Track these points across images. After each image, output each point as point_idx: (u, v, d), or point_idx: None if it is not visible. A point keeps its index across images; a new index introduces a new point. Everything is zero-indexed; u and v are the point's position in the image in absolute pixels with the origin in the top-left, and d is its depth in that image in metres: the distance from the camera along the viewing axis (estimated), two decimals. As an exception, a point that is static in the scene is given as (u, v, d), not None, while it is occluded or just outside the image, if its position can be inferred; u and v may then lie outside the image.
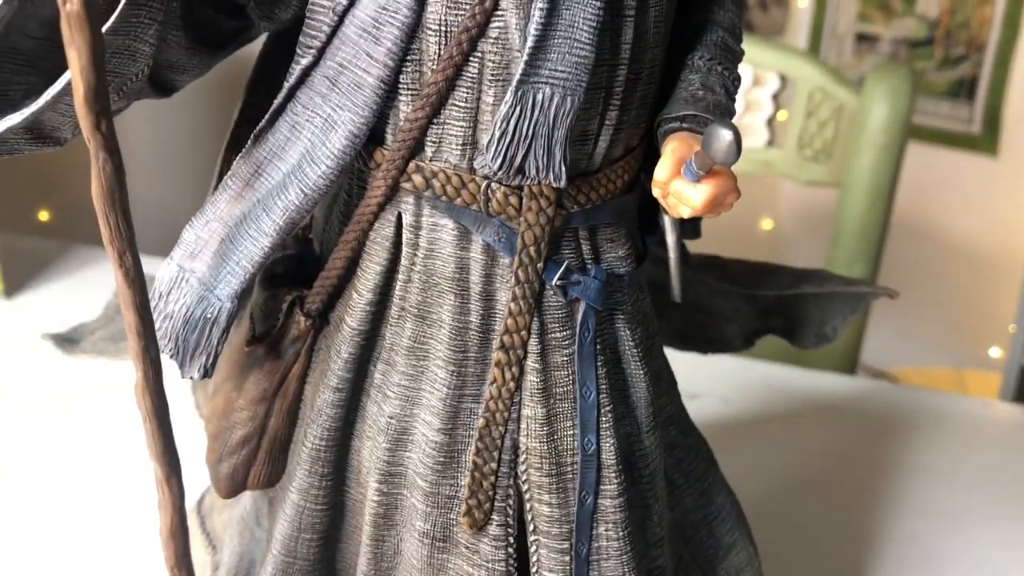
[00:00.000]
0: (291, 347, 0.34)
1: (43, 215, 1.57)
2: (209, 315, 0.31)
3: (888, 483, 0.73)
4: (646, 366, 0.36)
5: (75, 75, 0.25)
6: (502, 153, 0.31)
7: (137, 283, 0.28)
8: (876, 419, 0.81)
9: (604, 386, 0.35)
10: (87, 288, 0.94)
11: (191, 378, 0.32)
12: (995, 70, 1.98)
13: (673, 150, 0.33)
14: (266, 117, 0.32)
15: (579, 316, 0.34)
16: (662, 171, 0.33)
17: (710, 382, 0.80)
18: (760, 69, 1.04)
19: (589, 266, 0.34)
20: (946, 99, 2.08)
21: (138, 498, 0.64)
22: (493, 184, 0.32)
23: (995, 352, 1.89)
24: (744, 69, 1.05)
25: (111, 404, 0.74)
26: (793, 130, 1.02)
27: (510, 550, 0.34)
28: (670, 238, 0.38)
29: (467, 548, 0.34)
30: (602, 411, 0.35)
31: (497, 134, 0.31)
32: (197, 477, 0.50)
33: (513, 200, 0.32)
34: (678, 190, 0.32)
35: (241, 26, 0.35)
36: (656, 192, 0.34)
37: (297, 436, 0.35)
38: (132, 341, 0.29)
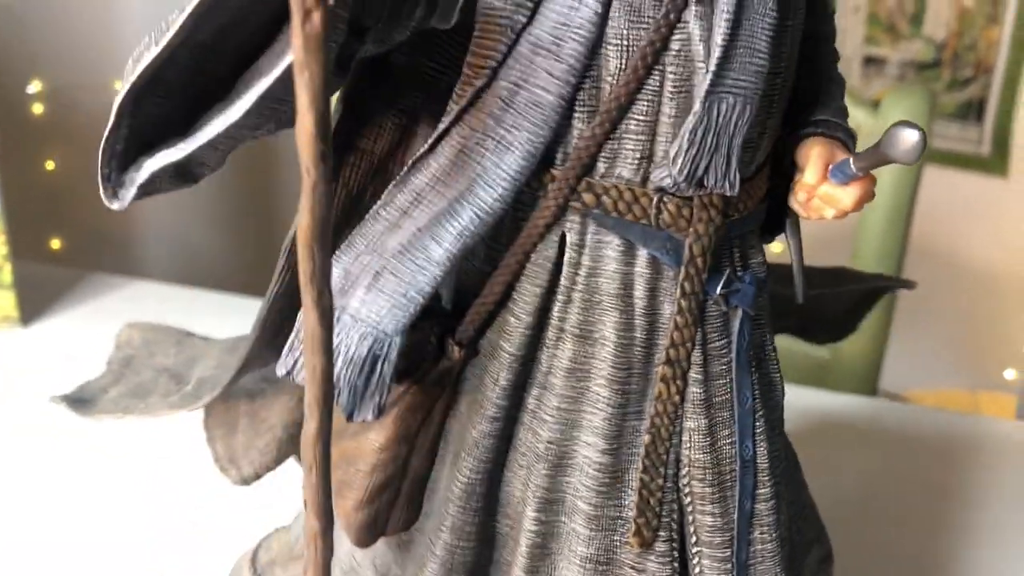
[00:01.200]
0: (437, 380, 0.32)
1: (55, 243, 1.57)
2: (378, 352, 0.30)
3: (907, 502, 0.73)
4: (778, 367, 0.37)
5: (304, 103, 0.23)
6: (689, 164, 0.31)
7: (329, 325, 0.25)
8: (895, 440, 0.81)
9: (757, 391, 0.36)
10: (102, 317, 0.94)
11: (364, 420, 0.30)
12: (1003, 91, 1.99)
13: (819, 155, 0.34)
14: (428, 143, 0.31)
15: (735, 324, 0.35)
16: (812, 175, 0.34)
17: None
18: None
19: (740, 273, 0.35)
20: (955, 121, 2.09)
21: (145, 526, 0.65)
22: (665, 197, 0.32)
23: (1010, 374, 1.88)
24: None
25: (122, 433, 0.74)
26: (809, 152, 1.02)
27: (675, 564, 0.34)
28: (794, 241, 0.39)
29: (632, 568, 0.33)
30: (756, 416, 0.35)
31: (685, 145, 0.31)
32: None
33: (685, 212, 0.32)
34: (829, 193, 0.34)
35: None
36: (801, 196, 0.35)
37: (437, 473, 0.33)
38: (311, 387, 0.26)
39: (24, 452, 0.73)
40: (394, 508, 0.32)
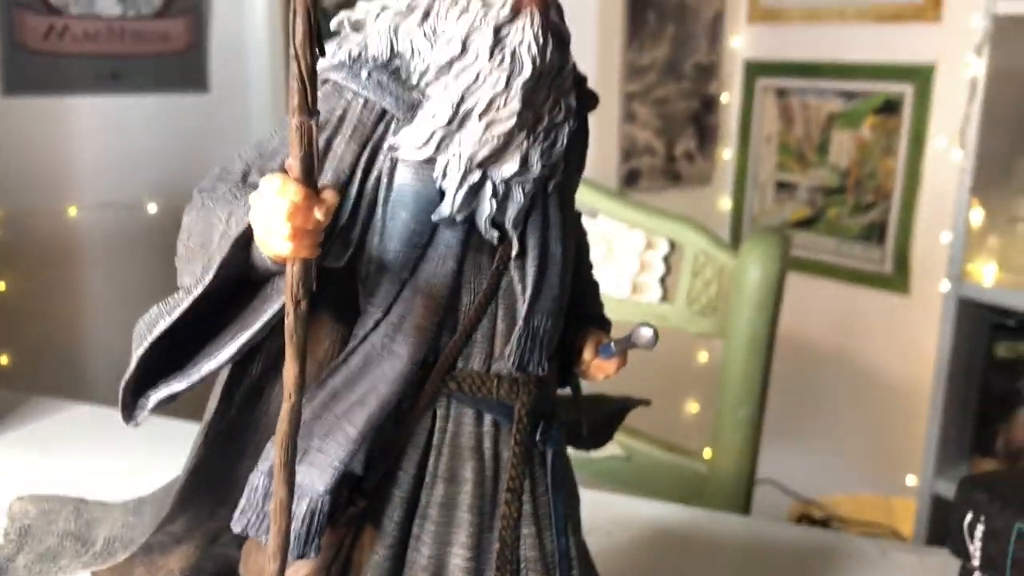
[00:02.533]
0: (347, 522, 0.43)
1: (3, 359, 1.65)
2: (314, 509, 0.41)
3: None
4: (575, 480, 0.50)
5: (291, 354, 0.35)
6: (517, 358, 0.45)
7: (291, 498, 0.37)
8: (761, 556, 0.89)
9: (564, 501, 0.48)
10: (44, 440, 1.02)
11: (312, 557, 0.41)
12: (901, 216, 2.15)
13: (592, 340, 0.50)
14: (341, 357, 0.43)
15: (549, 457, 0.47)
16: (589, 354, 0.49)
17: (597, 519, 0.89)
18: (652, 235, 1.17)
19: (549, 424, 0.48)
20: (860, 242, 2.24)
21: None
22: (501, 379, 0.45)
23: (911, 480, 1.99)
24: (638, 234, 1.19)
25: None
26: (682, 288, 1.14)
27: None
28: (575, 392, 0.53)
29: None
30: (566, 520, 0.48)
31: (515, 347, 0.45)
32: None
33: (514, 388, 0.46)
34: (599, 364, 0.49)
35: None
36: (581, 366, 0.50)
37: None
38: (275, 540, 0.37)
39: None
40: None
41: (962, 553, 0.65)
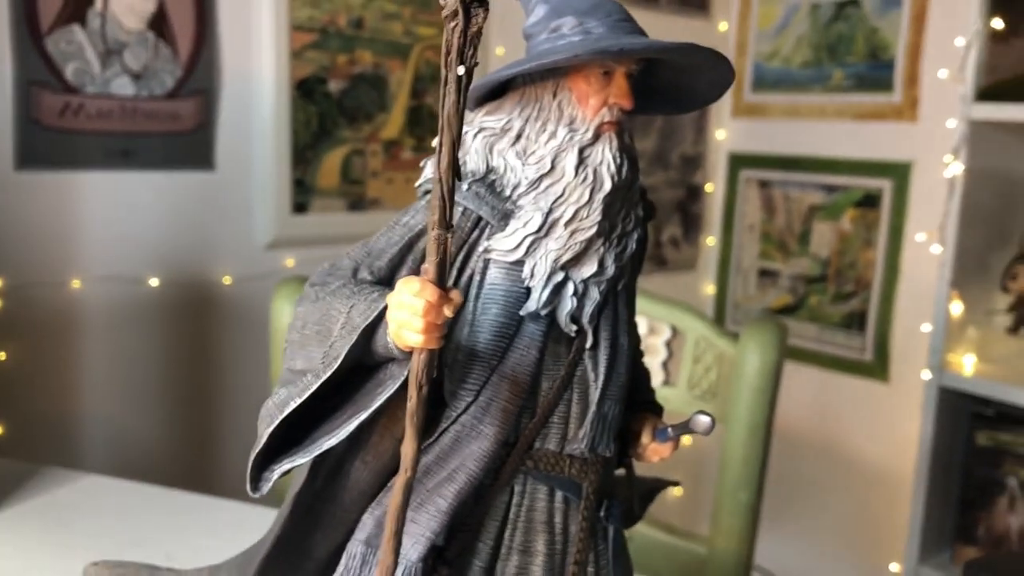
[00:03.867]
0: None
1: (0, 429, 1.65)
2: (408, 573, 0.44)
3: None
4: (629, 555, 0.55)
5: (411, 434, 0.39)
6: (589, 440, 0.49)
7: (395, 563, 0.41)
8: None
9: (622, 571, 0.53)
10: (46, 509, 1.04)
11: None
12: (881, 305, 2.22)
13: (649, 424, 0.55)
14: (433, 436, 0.46)
15: (611, 532, 0.52)
16: (647, 437, 0.55)
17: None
18: (655, 320, 1.22)
19: (612, 502, 0.53)
20: (841, 330, 2.31)
21: None
22: (573, 459, 0.49)
23: (894, 567, 2.01)
24: (641, 319, 1.23)
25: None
26: (684, 372, 1.19)
27: None
28: (630, 473, 0.57)
29: None
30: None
31: (588, 430, 0.49)
32: None
33: (584, 467, 0.50)
34: (655, 447, 0.54)
35: None
36: (640, 448, 0.55)
37: None
38: None
39: None
40: None
41: (969, 634, 0.68)
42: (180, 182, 1.84)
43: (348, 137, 2.07)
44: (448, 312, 0.38)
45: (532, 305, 0.46)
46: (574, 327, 0.47)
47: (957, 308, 1.77)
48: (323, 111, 2.02)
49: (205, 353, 1.90)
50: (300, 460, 0.43)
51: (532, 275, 0.46)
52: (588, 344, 0.48)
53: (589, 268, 0.47)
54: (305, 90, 2.00)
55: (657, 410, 0.56)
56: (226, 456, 1.99)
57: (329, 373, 0.41)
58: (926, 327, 1.84)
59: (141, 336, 1.83)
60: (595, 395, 0.49)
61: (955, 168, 1.72)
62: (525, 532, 0.49)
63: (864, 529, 2.21)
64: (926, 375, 1.79)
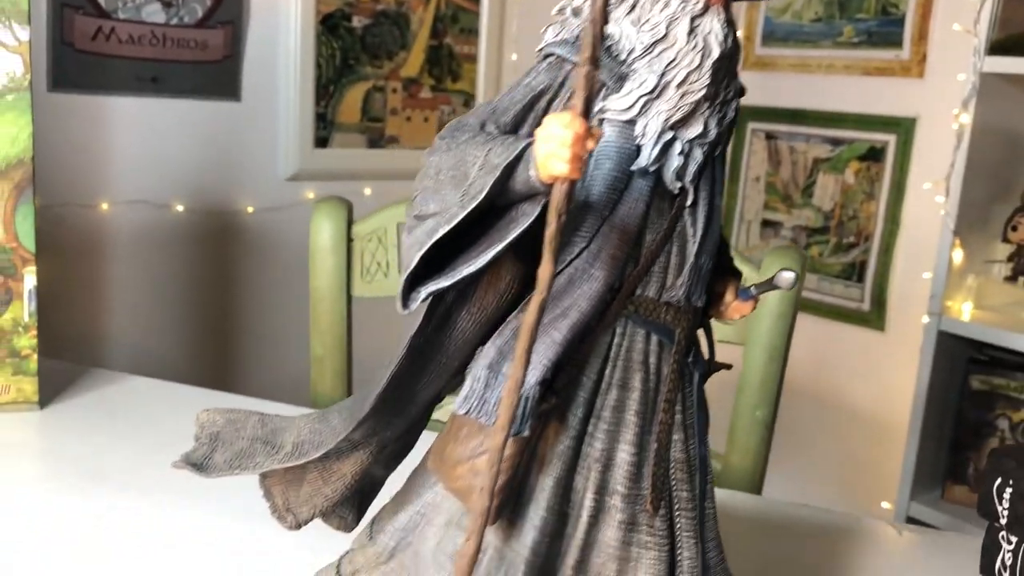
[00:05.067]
0: (539, 415, 0.51)
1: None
2: (528, 396, 0.49)
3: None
4: (707, 405, 0.60)
5: (548, 256, 0.43)
6: (685, 290, 0.54)
7: (519, 388, 0.45)
8: (780, 532, 0.97)
9: (703, 418, 0.57)
10: (101, 405, 1.09)
11: (524, 434, 0.49)
12: (880, 257, 2.28)
13: (731, 285, 0.59)
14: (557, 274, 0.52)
15: (695, 378, 0.56)
16: (731, 295, 0.59)
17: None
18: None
19: (696, 351, 0.57)
20: (840, 280, 2.37)
21: None
22: (669, 307, 0.54)
23: (885, 504, 2.09)
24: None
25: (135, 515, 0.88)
26: (707, 297, 1.24)
27: (669, 522, 0.55)
28: (708, 332, 0.61)
29: (647, 526, 0.54)
30: (702, 433, 0.57)
31: (685, 280, 0.54)
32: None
33: (677, 315, 0.55)
34: (738, 306, 0.59)
35: None
36: (721, 307, 0.59)
37: (534, 479, 0.53)
38: (503, 418, 0.45)
39: (62, 509, 0.85)
40: (507, 499, 0.51)
41: (991, 514, 0.75)
42: (207, 111, 1.88)
43: (369, 73, 2.10)
44: (591, 144, 0.43)
45: (643, 161, 0.51)
46: (678, 184, 0.52)
47: (958, 256, 1.83)
48: (346, 47, 2.06)
49: (226, 278, 1.95)
50: (444, 283, 0.47)
51: (644, 133, 0.51)
52: (688, 202, 0.53)
53: (695, 129, 0.51)
54: (329, 25, 2.03)
55: (737, 274, 0.61)
56: (243, 370, 2.04)
57: (475, 204, 0.46)
58: (927, 275, 1.91)
59: (166, 259, 1.88)
60: (693, 248, 0.53)
61: (963, 120, 1.77)
62: (624, 369, 0.54)
63: (857, 471, 2.29)
64: (925, 320, 1.86)
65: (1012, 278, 1.90)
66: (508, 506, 0.51)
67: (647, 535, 0.53)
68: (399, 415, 0.57)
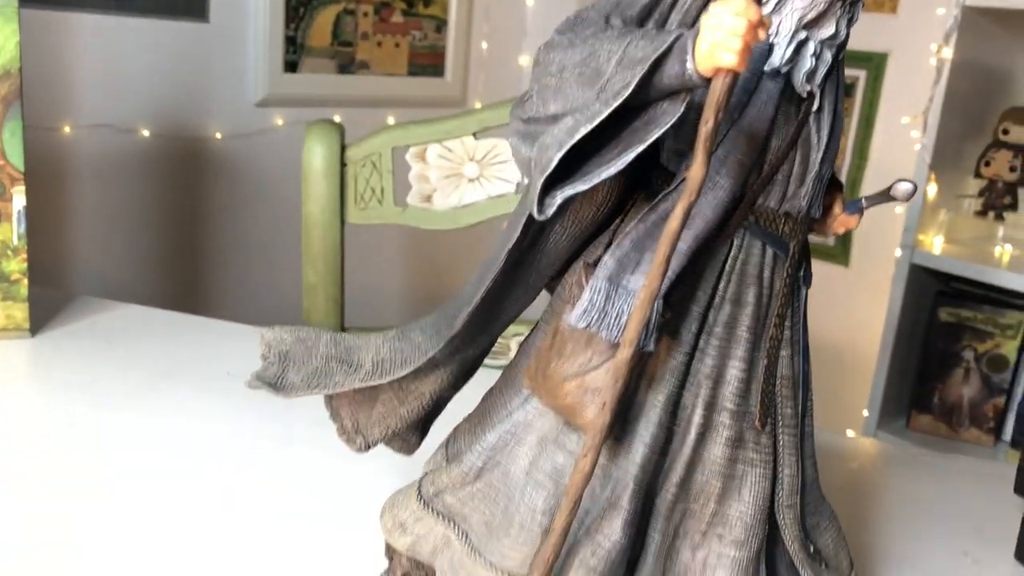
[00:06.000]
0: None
1: None
2: (653, 309, 0.47)
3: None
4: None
5: (701, 156, 0.41)
6: (807, 201, 0.52)
7: (651, 304, 0.44)
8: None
9: (807, 335, 0.56)
10: (90, 332, 1.05)
11: (646, 349, 0.46)
12: (847, 192, 2.30)
13: (839, 198, 0.58)
14: (672, 185, 0.49)
15: (803, 294, 0.55)
16: (839, 207, 0.57)
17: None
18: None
19: (806, 265, 0.55)
20: (806, 215, 2.39)
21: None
22: (787, 218, 0.52)
23: (851, 433, 2.14)
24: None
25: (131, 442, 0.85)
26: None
27: (773, 438, 0.54)
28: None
29: (753, 443, 0.53)
30: (806, 350, 0.56)
31: (808, 191, 0.52)
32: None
33: (793, 227, 0.53)
34: (844, 219, 0.57)
35: None
36: (829, 219, 0.57)
37: (643, 395, 0.51)
38: (631, 331, 0.44)
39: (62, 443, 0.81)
40: (616, 417, 0.49)
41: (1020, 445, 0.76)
42: (174, 31, 1.80)
43: (341, -5, 2.03)
44: (762, 35, 0.41)
45: (775, 61, 0.49)
46: (807, 87, 0.50)
47: (932, 191, 1.85)
48: (317, -34, 1.98)
49: (193, 205, 1.89)
50: (581, 187, 0.45)
51: (777, 32, 0.49)
52: (815, 107, 0.51)
53: (827, 30, 0.50)
54: (300, -57, 1.95)
55: (839, 186, 0.59)
56: (211, 297, 1.99)
57: (619, 101, 0.43)
58: (899, 208, 1.93)
59: (133, 186, 1.81)
60: (816, 157, 0.52)
61: (944, 55, 1.78)
62: (738, 284, 0.52)
63: (824, 404, 2.34)
64: (898, 253, 1.89)
65: (982, 212, 1.93)
66: (615, 424, 0.50)
67: (753, 452, 0.52)
68: (484, 333, 0.55)
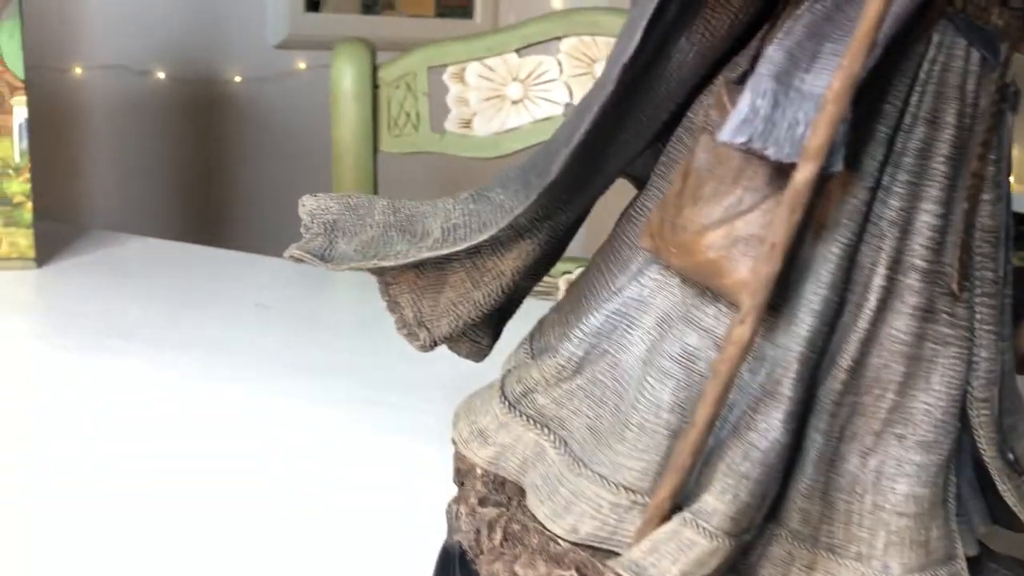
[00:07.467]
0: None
1: None
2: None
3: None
4: None
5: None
6: None
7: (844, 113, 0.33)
8: None
9: (1011, 174, 0.44)
10: (93, 261, 0.95)
11: (837, 169, 0.35)
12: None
13: None
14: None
15: (1006, 120, 0.42)
16: None
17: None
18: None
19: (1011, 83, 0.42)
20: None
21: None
22: (1004, 8, 0.39)
23: None
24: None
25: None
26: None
27: (973, 310, 0.41)
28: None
29: (946, 314, 0.40)
30: (1011, 195, 0.43)
31: None
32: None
33: (1009, 21, 0.39)
34: None
35: None
36: None
37: (809, 250, 0.38)
38: (816, 141, 0.33)
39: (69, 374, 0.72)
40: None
41: None
42: (188, -34, 1.69)
43: (365, -71, 1.92)
44: None
45: None
46: None
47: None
48: (339, -102, 1.87)
49: (213, 151, 1.78)
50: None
51: None
52: None
53: None
54: None
55: None
56: (230, 241, 1.89)
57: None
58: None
59: (147, 130, 1.70)
60: None
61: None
62: (935, 97, 0.40)
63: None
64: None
65: None
66: (774, 287, 0.38)
67: (946, 326, 0.40)
68: (580, 192, 0.43)
